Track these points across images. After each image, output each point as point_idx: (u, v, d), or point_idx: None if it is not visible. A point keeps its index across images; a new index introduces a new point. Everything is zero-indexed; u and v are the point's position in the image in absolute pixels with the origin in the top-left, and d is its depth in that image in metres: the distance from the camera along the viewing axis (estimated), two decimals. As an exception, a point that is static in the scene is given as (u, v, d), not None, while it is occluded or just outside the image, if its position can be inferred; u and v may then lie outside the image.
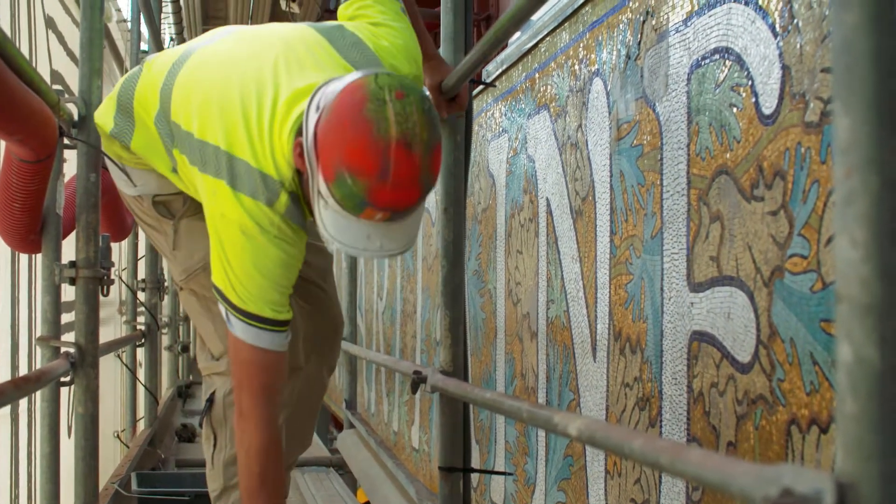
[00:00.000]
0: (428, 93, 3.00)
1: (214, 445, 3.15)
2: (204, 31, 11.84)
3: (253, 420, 2.76)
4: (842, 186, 0.93)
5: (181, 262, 3.13)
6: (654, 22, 2.72)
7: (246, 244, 2.66)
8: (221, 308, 2.75)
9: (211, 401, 3.15)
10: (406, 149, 2.37)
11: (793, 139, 2.05)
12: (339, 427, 9.27)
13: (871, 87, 0.91)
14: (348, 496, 6.22)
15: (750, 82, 2.23)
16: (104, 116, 3.07)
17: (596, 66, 3.12)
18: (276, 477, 2.80)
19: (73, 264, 3.54)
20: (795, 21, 2.05)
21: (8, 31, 4.30)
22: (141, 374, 7.26)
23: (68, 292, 3.75)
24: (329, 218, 2.50)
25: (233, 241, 2.67)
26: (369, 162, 2.37)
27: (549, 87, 3.55)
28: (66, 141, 3.42)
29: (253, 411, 2.76)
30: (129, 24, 7.77)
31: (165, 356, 10.32)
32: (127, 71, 8.00)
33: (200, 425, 3.17)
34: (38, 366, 3.60)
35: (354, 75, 2.50)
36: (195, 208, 3.02)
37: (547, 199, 3.56)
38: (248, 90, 2.70)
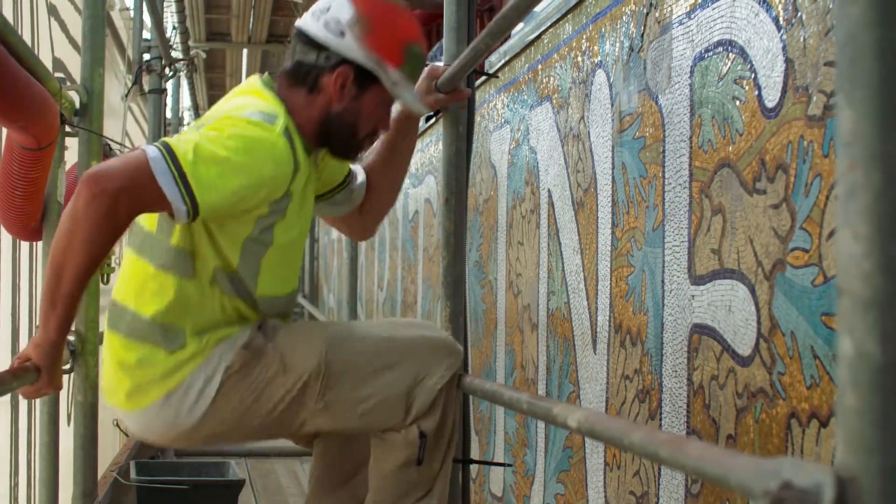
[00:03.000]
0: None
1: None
2: (206, 21, 11.86)
3: (100, 197, 2.59)
4: (844, 180, 0.92)
5: (305, 372, 2.84)
6: (657, 14, 2.72)
7: (243, 129, 2.67)
8: (160, 162, 2.58)
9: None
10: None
11: (795, 132, 2.04)
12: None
13: (876, 80, 0.91)
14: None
15: (753, 75, 2.22)
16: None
17: (599, 58, 3.12)
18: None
19: (73, 252, 3.53)
20: (799, 14, 2.05)
21: (10, 19, 4.30)
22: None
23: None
24: (406, 94, 2.87)
25: (233, 124, 2.67)
26: (414, 27, 2.94)
27: (551, 78, 3.54)
28: (67, 128, 3.41)
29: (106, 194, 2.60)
30: (131, 13, 7.78)
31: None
32: (129, 60, 8.01)
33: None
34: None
35: None
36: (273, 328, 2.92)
37: (548, 190, 3.56)
38: None
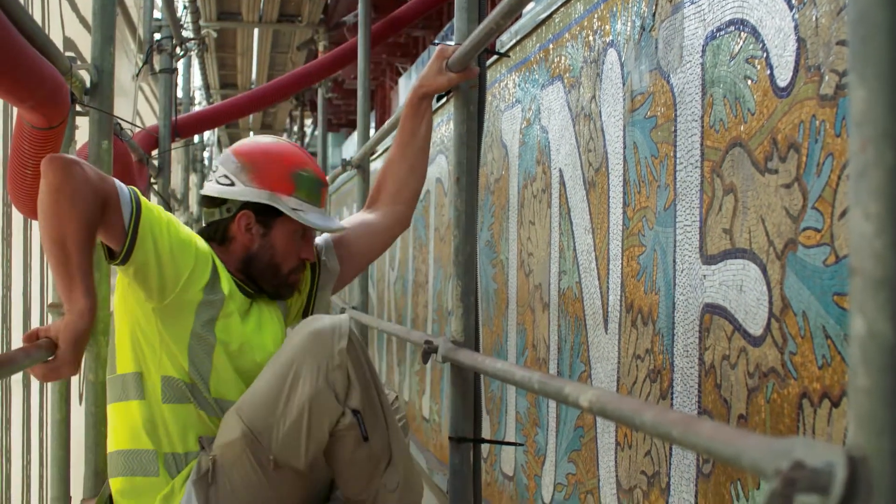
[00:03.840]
0: None
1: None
2: (217, 0, 11.83)
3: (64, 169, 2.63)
4: (857, 159, 0.92)
5: (238, 449, 2.87)
6: (669, -7, 2.71)
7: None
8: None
9: None
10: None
11: (807, 112, 2.04)
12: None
13: (888, 59, 0.90)
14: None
15: (765, 54, 2.22)
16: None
17: (610, 37, 3.11)
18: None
19: (84, 231, 3.54)
20: (811, -7, 2.04)
21: (21, -2, 4.30)
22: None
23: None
24: (310, 217, 3.12)
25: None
26: (299, 156, 3.19)
27: (563, 57, 3.54)
28: (77, 108, 3.41)
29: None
30: (142, -8, 7.77)
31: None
32: (140, 40, 8.01)
33: None
34: (50, 333, 3.59)
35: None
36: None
37: (560, 170, 3.55)
38: None
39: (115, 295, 2.95)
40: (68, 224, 2.54)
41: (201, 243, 2.96)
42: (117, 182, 2.75)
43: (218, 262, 3.01)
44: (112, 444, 2.98)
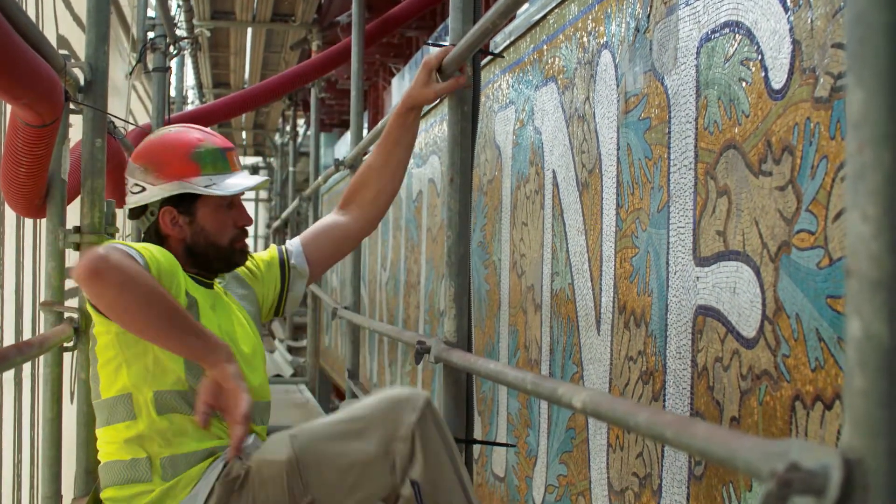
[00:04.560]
0: None
1: None
2: (211, -2, 11.82)
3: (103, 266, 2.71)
4: (854, 161, 0.92)
5: (281, 471, 2.87)
6: (663, -6, 2.71)
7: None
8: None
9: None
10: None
11: (802, 114, 2.04)
12: (342, 397, 9.30)
13: (885, 60, 0.90)
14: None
15: (760, 57, 2.22)
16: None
17: (604, 39, 3.11)
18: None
19: (77, 230, 3.54)
20: (807, -5, 2.04)
21: (15, -5, 4.29)
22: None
23: (72, 258, 3.75)
24: (223, 186, 3.11)
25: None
26: (190, 136, 3.17)
27: (556, 58, 3.54)
28: (71, 106, 3.41)
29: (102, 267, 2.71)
30: (136, -9, 7.76)
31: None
32: (134, 38, 8.00)
33: None
34: (42, 331, 3.60)
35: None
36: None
37: (553, 171, 3.55)
38: None
39: (93, 328, 2.95)
40: (155, 298, 2.70)
41: (168, 255, 2.96)
42: (120, 245, 2.78)
43: (179, 265, 3.02)
44: (104, 457, 2.97)
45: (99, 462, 3.00)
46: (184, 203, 3.10)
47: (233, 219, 3.15)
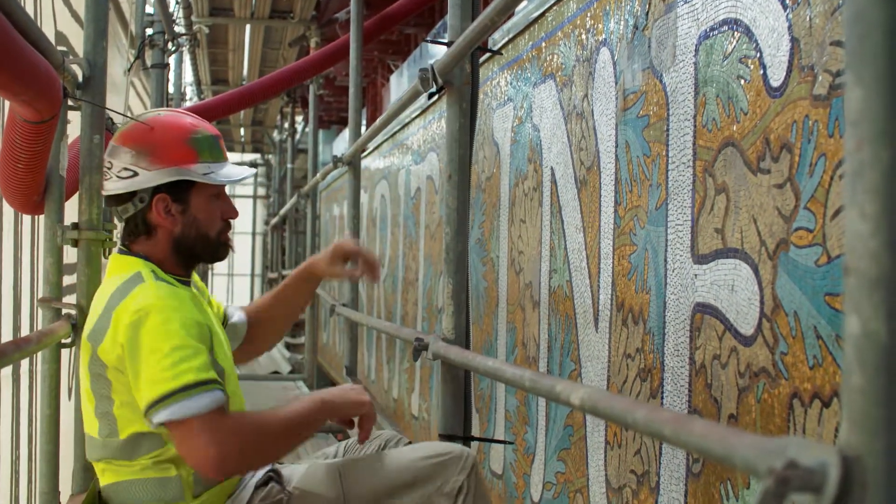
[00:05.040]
0: None
1: None
2: (209, -6, 11.82)
3: (227, 459, 2.75)
4: (852, 158, 0.92)
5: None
6: (662, -8, 2.71)
7: (157, 321, 2.74)
8: (164, 412, 2.67)
9: None
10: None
11: (800, 112, 2.04)
12: (339, 393, 9.28)
13: (884, 58, 0.90)
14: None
15: (758, 54, 2.22)
16: None
17: (603, 36, 3.11)
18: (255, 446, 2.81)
19: (75, 226, 3.54)
20: (805, -7, 2.04)
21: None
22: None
23: (71, 254, 3.74)
24: (221, 174, 3.00)
25: (150, 332, 2.73)
26: (186, 121, 3.04)
27: (555, 56, 3.54)
28: (70, 102, 3.41)
29: (222, 458, 2.75)
30: (134, -13, 7.76)
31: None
32: (132, 35, 8.00)
33: None
34: (40, 327, 3.60)
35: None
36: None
37: (551, 168, 3.55)
38: None
39: (109, 370, 2.84)
40: (282, 438, 2.81)
41: (192, 308, 2.86)
42: (208, 397, 2.70)
43: (170, 280, 2.96)
44: (119, 477, 2.89)
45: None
46: (178, 191, 2.97)
47: (220, 210, 3.06)
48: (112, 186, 2.97)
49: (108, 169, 2.98)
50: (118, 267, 2.97)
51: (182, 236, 2.99)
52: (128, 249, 3.00)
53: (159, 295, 2.79)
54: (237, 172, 3.05)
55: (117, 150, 2.97)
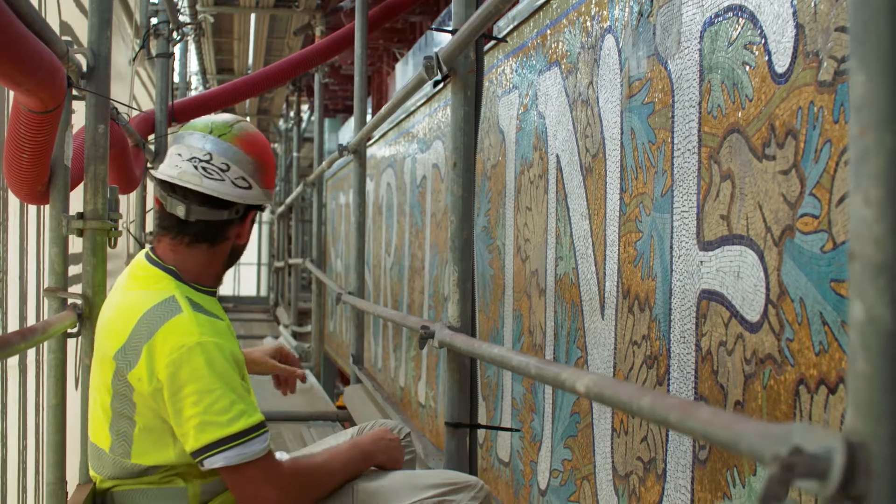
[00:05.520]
0: None
1: None
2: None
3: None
4: (856, 144, 0.92)
5: None
6: (667, -22, 2.70)
7: (201, 360, 2.73)
8: (219, 458, 2.71)
9: None
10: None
11: (805, 98, 2.03)
12: (346, 382, 9.30)
13: (889, 43, 0.90)
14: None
15: (763, 41, 2.21)
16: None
17: (608, 23, 3.10)
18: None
19: (80, 216, 3.53)
20: (810, -22, 2.03)
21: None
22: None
23: (76, 244, 3.74)
24: (265, 197, 2.98)
25: (195, 371, 2.72)
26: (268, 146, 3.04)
27: (560, 43, 3.53)
28: (74, 92, 3.40)
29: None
30: (139, -24, 7.75)
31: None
32: (137, 24, 7.99)
33: None
34: (46, 317, 3.60)
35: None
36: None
37: (557, 155, 3.55)
38: None
39: (136, 394, 2.79)
40: (336, 477, 2.96)
41: (225, 338, 2.83)
42: (261, 442, 2.76)
43: (200, 300, 2.92)
44: (124, 486, 2.89)
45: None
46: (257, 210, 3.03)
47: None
48: (220, 188, 2.87)
49: (223, 171, 2.88)
50: (147, 279, 2.92)
51: (235, 251, 3.03)
52: (155, 256, 2.95)
53: (202, 331, 2.76)
54: (266, 197, 3.03)
55: (240, 156, 2.90)
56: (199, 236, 2.91)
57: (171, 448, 2.79)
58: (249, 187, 2.90)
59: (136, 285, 2.92)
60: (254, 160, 2.92)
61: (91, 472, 2.99)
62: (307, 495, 2.86)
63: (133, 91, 8.23)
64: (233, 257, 3.04)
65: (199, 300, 2.87)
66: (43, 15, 3.74)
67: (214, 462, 2.69)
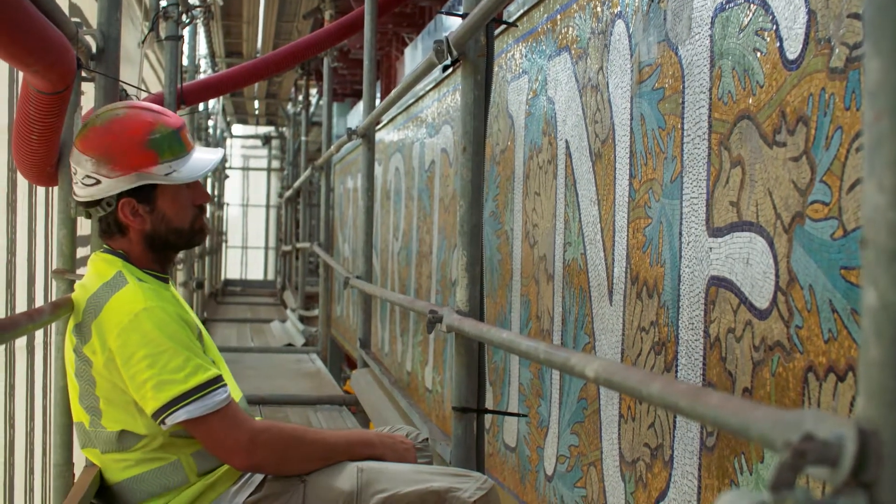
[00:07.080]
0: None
1: None
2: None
3: (251, 446, 2.83)
4: (871, 130, 0.91)
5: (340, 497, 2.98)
6: (678, -36, 2.70)
7: (149, 324, 2.81)
8: (181, 413, 2.74)
9: None
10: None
11: (817, 85, 2.03)
12: (353, 366, 9.30)
13: (904, 28, 0.89)
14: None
15: (774, 27, 2.20)
16: None
17: (618, 8, 3.10)
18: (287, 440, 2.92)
19: (89, 198, 3.53)
20: (823, -36, 2.03)
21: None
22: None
23: (84, 226, 3.75)
24: (184, 171, 3.01)
25: (145, 336, 2.79)
26: (143, 119, 3.02)
27: (570, 28, 3.52)
28: (83, 73, 3.40)
29: (248, 443, 2.82)
30: (148, -41, 7.74)
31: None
32: (146, 7, 7.98)
33: None
34: (54, 299, 3.60)
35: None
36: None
37: (566, 141, 3.54)
38: None
39: (94, 369, 2.87)
40: (316, 453, 2.97)
41: (171, 305, 2.92)
42: (221, 393, 2.80)
43: (146, 278, 3.00)
44: (120, 475, 2.92)
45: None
46: (143, 192, 2.99)
47: (191, 198, 3.08)
48: (79, 192, 3.01)
49: (74, 175, 3.00)
50: (100, 264, 3.02)
51: (153, 233, 3.03)
52: (109, 248, 3.05)
53: (146, 297, 2.85)
54: (201, 166, 3.05)
55: (79, 156, 2.98)
56: (107, 231, 3.05)
57: (138, 417, 2.84)
58: (97, 182, 2.96)
59: (92, 268, 3.04)
60: (92, 157, 2.96)
61: (84, 453, 3.02)
62: (278, 451, 2.85)
63: (142, 73, 8.22)
64: (158, 243, 3.06)
65: (149, 282, 2.98)
66: (53, -4, 3.74)
67: (177, 417, 2.74)
